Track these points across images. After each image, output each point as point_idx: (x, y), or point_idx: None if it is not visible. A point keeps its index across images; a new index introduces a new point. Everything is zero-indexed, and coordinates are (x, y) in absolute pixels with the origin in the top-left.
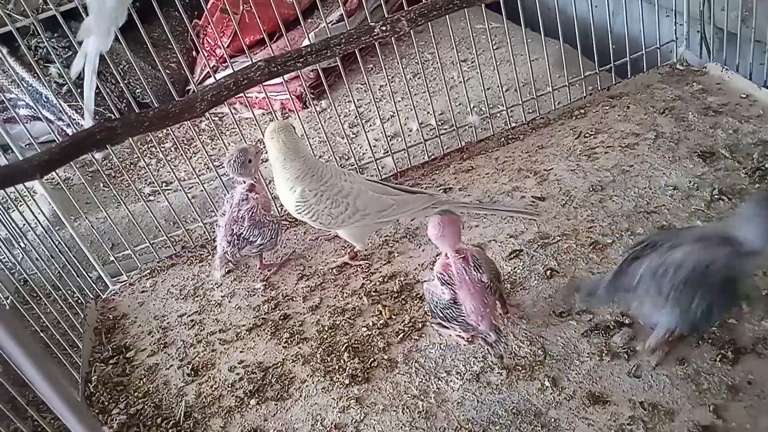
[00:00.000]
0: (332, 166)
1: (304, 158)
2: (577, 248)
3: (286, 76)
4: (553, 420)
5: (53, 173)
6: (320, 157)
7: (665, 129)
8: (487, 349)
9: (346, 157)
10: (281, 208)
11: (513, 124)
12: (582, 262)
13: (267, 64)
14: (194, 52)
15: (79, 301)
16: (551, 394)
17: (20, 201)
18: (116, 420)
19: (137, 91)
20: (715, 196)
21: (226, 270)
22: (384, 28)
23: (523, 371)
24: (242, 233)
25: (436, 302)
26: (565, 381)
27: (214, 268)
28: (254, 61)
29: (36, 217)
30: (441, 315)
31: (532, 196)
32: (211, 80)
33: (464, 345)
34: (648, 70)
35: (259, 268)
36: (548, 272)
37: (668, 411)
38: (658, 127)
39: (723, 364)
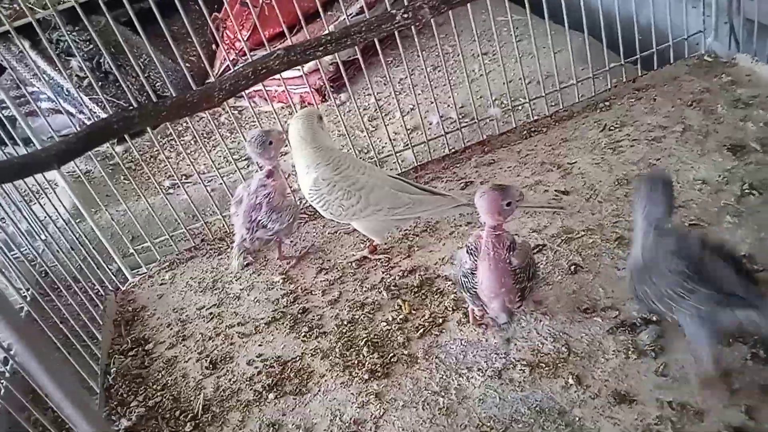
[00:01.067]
0: (353, 158)
1: (321, 146)
2: (602, 243)
3: (305, 69)
4: (577, 419)
5: (74, 166)
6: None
7: (693, 122)
8: (495, 330)
9: (366, 151)
10: (301, 201)
11: (535, 117)
12: (607, 258)
13: (286, 53)
14: (214, 46)
15: (99, 293)
16: (575, 392)
17: (41, 194)
18: (135, 412)
19: (157, 84)
20: (746, 191)
21: (244, 259)
22: (406, 15)
23: (547, 368)
24: (260, 219)
25: (459, 267)
26: (589, 379)
27: (232, 257)
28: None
29: (57, 209)
30: (460, 282)
31: (555, 190)
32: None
33: (481, 338)
34: (675, 62)
35: (279, 259)
36: (572, 267)
37: (698, 411)
38: (686, 119)
39: (755, 363)
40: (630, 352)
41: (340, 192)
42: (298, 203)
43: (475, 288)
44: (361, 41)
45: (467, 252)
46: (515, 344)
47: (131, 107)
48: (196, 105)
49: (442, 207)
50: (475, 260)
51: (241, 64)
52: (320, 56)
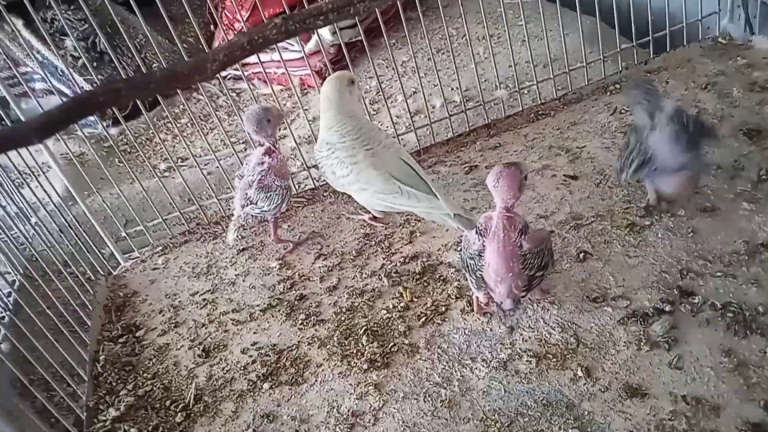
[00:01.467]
0: (372, 131)
1: (341, 111)
2: (613, 230)
3: (306, 50)
4: (586, 413)
5: (66, 148)
6: None
7: (708, 105)
8: (499, 317)
9: None
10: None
11: (543, 100)
12: (618, 245)
13: (284, 22)
14: (212, 26)
15: (90, 279)
16: (584, 384)
17: (32, 177)
18: (124, 401)
19: (154, 65)
20: (763, 176)
21: (241, 237)
22: None
23: (555, 360)
24: (251, 196)
25: (466, 248)
26: (599, 371)
27: (229, 229)
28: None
29: (47, 193)
30: (465, 263)
31: (564, 175)
32: None
33: (486, 327)
34: (688, 44)
35: (273, 240)
36: (581, 255)
37: (713, 406)
38: (700, 103)
39: None
40: (642, 344)
41: (335, 160)
42: (293, 186)
43: (481, 271)
44: (365, 10)
45: (476, 233)
46: (521, 334)
47: (118, 78)
48: (187, 77)
49: (431, 210)
50: (484, 241)
51: (237, 34)
52: (320, 26)
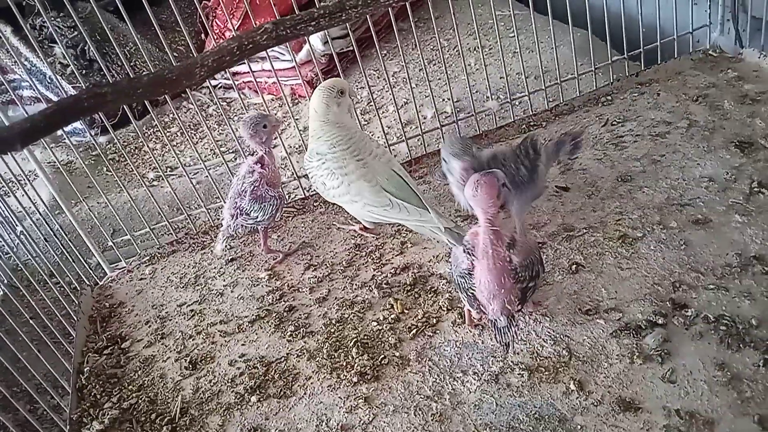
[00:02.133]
0: (363, 141)
1: (330, 121)
2: (605, 242)
3: (297, 60)
4: (579, 427)
5: (53, 157)
6: None
7: (699, 117)
8: (494, 335)
9: None
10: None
11: (534, 112)
12: (610, 257)
13: (275, 27)
14: (203, 35)
15: (76, 289)
16: (577, 398)
17: (17, 185)
18: (108, 414)
19: (144, 74)
20: (755, 189)
21: (229, 248)
22: None
23: (547, 373)
24: (242, 206)
25: (455, 266)
26: (592, 384)
27: (217, 240)
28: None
29: (33, 202)
30: (456, 282)
31: (556, 186)
32: None
33: (477, 339)
34: (679, 57)
35: (263, 250)
36: (573, 267)
37: (707, 420)
38: (691, 115)
39: (767, 370)
40: (635, 357)
41: (326, 171)
42: (285, 195)
43: (473, 289)
44: (356, 16)
45: (464, 251)
46: (513, 348)
47: (104, 83)
48: (175, 82)
49: (422, 223)
50: (473, 259)
51: (227, 39)
52: (312, 32)
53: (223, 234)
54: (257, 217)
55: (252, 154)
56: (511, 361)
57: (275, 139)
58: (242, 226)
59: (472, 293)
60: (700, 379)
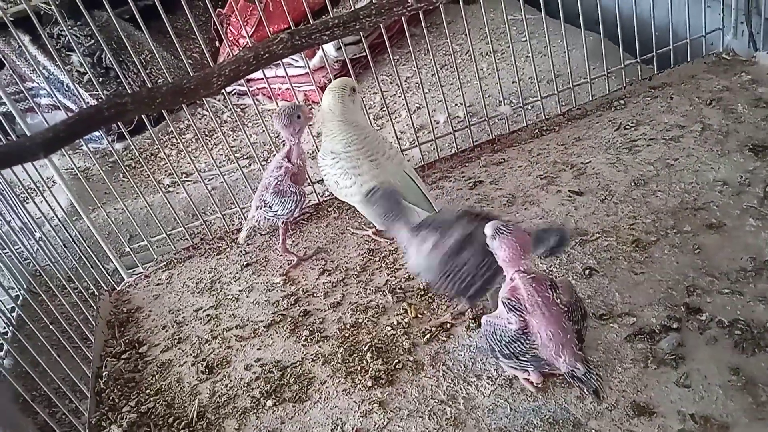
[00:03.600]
0: (376, 141)
1: (345, 121)
2: (618, 246)
3: (311, 66)
4: (593, 431)
5: (71, 163)
6: None
7: (712, 121)
8: (577, 386)
9: None
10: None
11: (547, 116)
12: (623, 261)
13: (290, 37)
14: (217, 42)
15: (94, 294)
16: (591, 403)
17: (37, 192)
18: (126, 418)
19: (159, 81)
20: None
21: (251, 234)
22: None
23: (561, 377)
24: (266, 199)
25: (500, 336)
26: (606, 389)
27: (242, 229)
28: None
29: (51, 208)
30: (506, 352)
31: (569, 191)
32: None
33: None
34: (692, 60)
35: (280, 248)
36: (587, 271)
37: (722, 425)
38: (705, 119)
39: None
40: (649, 361)
41: (339, 170)
42: (305, 192)
43: (534, 348)
44: (370, 25)
45: (508, 310)
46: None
47: (124, 93)
48: (193, 91)
49: None
50: (521, 317)
51: (243, 49)
52: (326, 41)
53: (247, 224)
54: (277, 210)
55: (283, 142)
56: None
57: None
58: (264, 218)
59: (534, 354)
60: (714, 384)
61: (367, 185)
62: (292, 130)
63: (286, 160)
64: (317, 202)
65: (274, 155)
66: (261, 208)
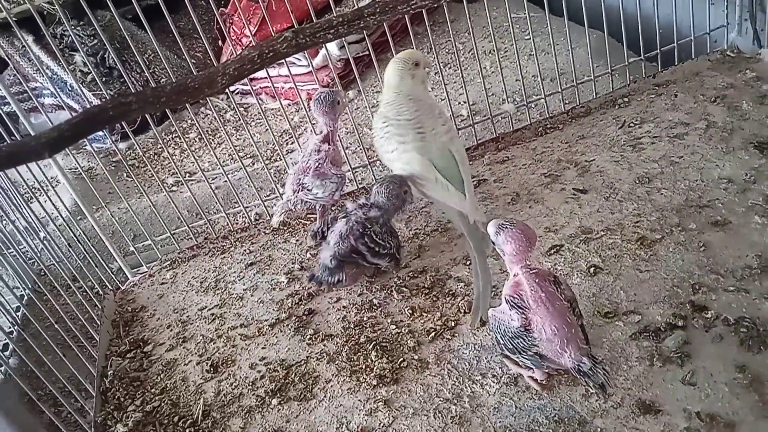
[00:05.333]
0: (430, 117)
1: (399, 93)
2: (623, 244)
3: (314, 65)
4: (599, 429)
5: (75, 163)
6: (347, 148)
7: (717, 118)
8: (584, 381)
9: (374, 148)
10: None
11: (551, 114)
12: (628, 259)
13: (295, 36)
14: (220, 41)
15: (98, 293)
16: (597, 401)
17: (41, 192)
18: (132, 417)
19: (162, 80)
20: None
21: (286, 218)
22: None
23: (566, 375)
24: (305, 182)
25: (504, 331)
26: (612, 384)
27: (275, 212)
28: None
29: (56, 207)
30: (510, 346)
31: (573, 189)
32: None
33: (493, 341)
34: (697, 57)
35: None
36: (591, 269)
37: (728, 423)
38: (710, 116)
39: None
40: (654, 359)
41: (386, 134)
42: (345, 176)
43: (536, 345)
44: (375, 23)
45: (511, 307)
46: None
47: (128, 92)
48: (197, 90)
49: (454, 211)
50: (524, 314)
51: (247, 48)
52: (331, 39)
53: (282, 207)
54: (317, 193)
55: (320, 130)
56: None
57: (293, 143)
58: (302, 201)
59: (536, 351)
60: (720, 382)
61: (407, 155)
62: (332, 115)
63: (325, 144)
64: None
65: (278, 151)
66: (299, 192)
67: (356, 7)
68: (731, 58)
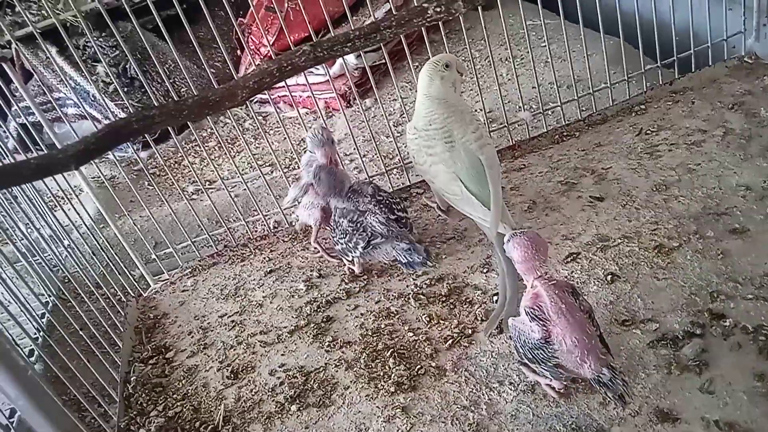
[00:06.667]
0: (461, 124)
1: (431, 96)
2: (640, 251)
3: (331, 74)
4: None
5: (98, 171)
6: (365, 156)
7: (735, 125)
8: (604, 391)
9: (391, 156)
10: None
11: (567, 122)
12: (646, 267)
13: (313, 49)
14: (239, 51)
15: (121, 300)
16: (614, 409)
17: (65, 200)
18: (154, 423)
19: (182, 90)
20: None
21: (297, 201)
22: (438, 9)
23: (583, 383)
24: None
25: (524, 341)
26: (630, 397)
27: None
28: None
29: (80, 216)
30: (529, 356)
31: (590, 196)
32: None
33: (513, 349)
34: (714, 64)
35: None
36: (609, 277)
37: (746, 431)
38: (727, 123)
39: None
40: (672, 367)
41: (416, 147)
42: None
43: (556, 357)
44: (391, 37)
45: (531, 319)
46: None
47: (152, 106)
48: (218, 103)
49: (481, 221)
50: (545, 326)
51: (266, 61)
52: (348, 52)
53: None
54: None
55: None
56: None
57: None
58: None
59: (556, 362)
60: (739, 390)
61: (434, 167)
62: (326, 153)
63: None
64: None
65: (296, 159)
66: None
67: (372, 16)
68: (749, 64)
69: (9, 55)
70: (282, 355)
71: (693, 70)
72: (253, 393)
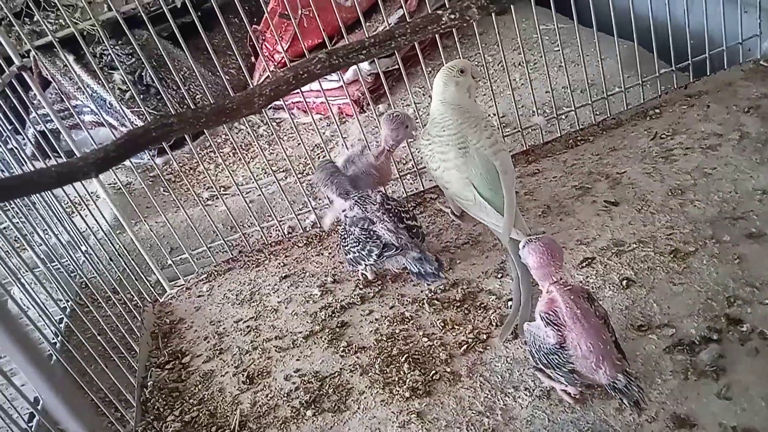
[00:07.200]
0: (475, 129)
1: (446, 101)
2: (656, 256)
3: (344, 80)
4: None
5: (114, 178)
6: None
7: (751, 129)
8: (619, 397)
9: (404, 161)
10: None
11: (581, 126)
12: (661, 271)
13: (328, 57)
14: (253, 57)
15: (138, 305)
16: (630, 415)
17: (83, 206)
18: (171, 427)
19: (197, 96)
20: None
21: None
22: (453, 16)
23: (599, 389)
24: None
25: (539, 346)
26: (646, 404)
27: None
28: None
29: (97, 221)
30: (544, 362)
31: (604, 201)
32: None
33: (528, 354)
34: (729, 67)
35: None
36: (624, 282)
37: None
38: (743, 126)
39: None
40: (689, 373)
41: (429, 152)
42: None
43: (571, 362)
44: (406, 43)
45: (546, 324)
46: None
47: (170, 114)
48: (235, 111)
49: (494, 227)
50: (560, 332)
51: (283, 69)
52: (363, 60)
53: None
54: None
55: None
56: None
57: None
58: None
59: (571, 367)
60: (756, 396)
61: (447, 173)
62: (395, 136)
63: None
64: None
65: (310, 165)
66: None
67: (385, 21)
68: (765, 67)
69: (29, 63)
70: (297, 360)
71: (708, 73)
72: (268, 398)
